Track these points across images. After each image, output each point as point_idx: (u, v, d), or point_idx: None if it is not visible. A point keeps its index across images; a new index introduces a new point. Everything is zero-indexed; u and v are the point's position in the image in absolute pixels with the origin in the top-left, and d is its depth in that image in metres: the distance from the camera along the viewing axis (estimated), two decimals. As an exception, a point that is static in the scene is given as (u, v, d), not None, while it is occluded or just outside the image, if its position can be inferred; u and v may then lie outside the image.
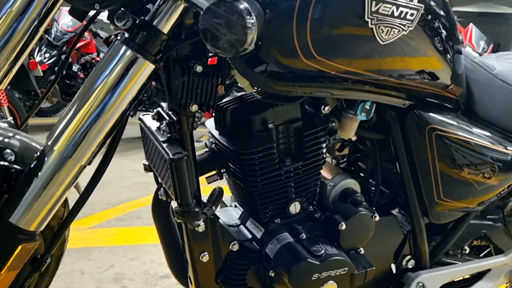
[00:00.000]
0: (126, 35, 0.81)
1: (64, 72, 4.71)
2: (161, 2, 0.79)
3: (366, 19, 0.83)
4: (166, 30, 0.79)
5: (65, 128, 0.78)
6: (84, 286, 1.91)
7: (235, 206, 1.22)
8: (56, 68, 4.67)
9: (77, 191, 0.97)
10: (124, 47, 0.78)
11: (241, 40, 0.74)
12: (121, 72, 0.77)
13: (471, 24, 5.09)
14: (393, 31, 0.86)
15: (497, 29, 7.85)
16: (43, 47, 4.76)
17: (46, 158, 0.80)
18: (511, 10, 8.15)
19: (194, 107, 0.91)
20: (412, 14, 0.86)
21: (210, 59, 0.92)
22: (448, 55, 1.02)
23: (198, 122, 1.01)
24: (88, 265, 2.07)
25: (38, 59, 4.62)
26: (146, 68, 0.79)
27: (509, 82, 1.15)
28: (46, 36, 5.05)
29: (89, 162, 0.82)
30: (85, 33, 4.80)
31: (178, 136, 0.95)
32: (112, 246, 2.26)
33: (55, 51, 4.75)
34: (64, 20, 4.86)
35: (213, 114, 1.07)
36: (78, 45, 4.90)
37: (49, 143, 0.79)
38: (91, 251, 2.20)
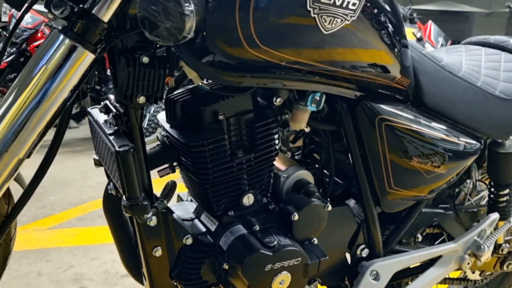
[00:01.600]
0: None
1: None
2: (101, -10, 0.77)
3: (308, 8, 0.83)
4: (106, 18, 0.78)
5: (0, 119, 0.75)
6: (41, 288, 1.86)
7: (191, 200, 1.21)
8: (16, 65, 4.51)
9: (20, 187, 0.94)
10: (62, 36, 0.76)
11: (179, 28, 0.73)
12: (59, 61, 0.75)
13: (430, 21, 5.24)
14: (336, 21, 0.87)
15: (458, 27, 8.10)
16: (0, 44, 4.60)
17: (-19, 152, 0.77)
18: (471, 9, 8.43)
19: (142, 99, 0.90)
20: (354, 4, 0.88)
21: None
22: (395, 49, 1.04)
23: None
24: (46, 266, 2.02)
25: (-5, 57, 4.45)
26: (85, 58, 0.77)
27: (455, 73, 1.18)
28: (4, 33, 4.87)
29: (28, 155, 0.79)
30: (46, 29, 4.67)
31: (125, 128, 0.93)
32: (72, 247, 2.21)
33: (14, 48, 4.60)
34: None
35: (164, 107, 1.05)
36: (40, 42, 4.75)
37: (-16, 136, 0.76)
38: (49, 252, 2.14)
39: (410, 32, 4.91)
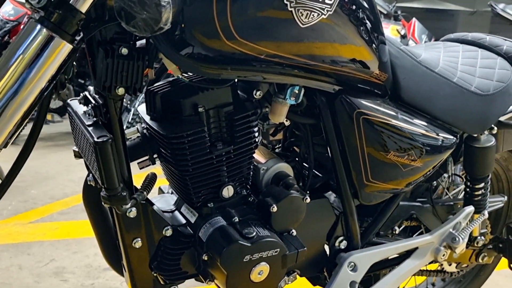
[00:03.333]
0: None
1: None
2: (78, -20, 0.77)
3: (285, 1, 0.84)
4: (84, 9, 0.78)
5: (-23, 108, 0.75)
6: (22, 281, 1.85)
7: (172, 193, 1.22)
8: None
9: (-2, 177, 0.94)
10: (38, 26, 0.76)
11: (156, 19, 0.74)
12: (36, 51, 0.75)
13: (414, 19, 5.30)
14: (313, 15, 0.88)
15: (443, 25, 8.18)
16: (-19, 36, 4.52)
17: (-43, 141, 0.76)
18: (455, 7, 8.53)
19: (120, 90, 0.90)
20: (330, -2, 0.89)
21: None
22: (373, 44, 1.05)
23: None
24: (27, 259, 2.01)
25: (-23, 49, 4.38)
26: (63, 48, 0.77)
27: (432, 69, 1.21)
28: (-14, 25, 4.79)
29: (5, 145, 0.79)
30: (29, 22, 4.60)
31: (104, 120, 0.93)
32: (54, 240, 2.19)
33: (-4, 41, 4.53)
34: (5, 9, 4.62)
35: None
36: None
37: (-40, 125, 0.76)
38: (31, 245, 2.13)
39: (394, 29, 4.96)
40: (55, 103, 4.42)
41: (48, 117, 4.48)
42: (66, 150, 3.77)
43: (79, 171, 3.24)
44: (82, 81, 4.33)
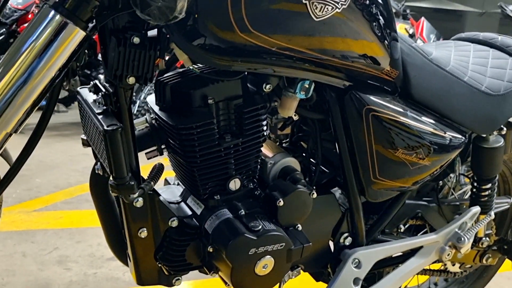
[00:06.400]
0: None
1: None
2: (93, -33, 0.77)
3: (300, -6, 0.84)
4: (97, -4, 0.78)
5: (-12, 94, 0.75)
6: (26, 268, 1.86)
7: (178, 184, 1.22)
8: (5, 46, 4.45)
9: (7, 163, 0.94)
10: (52, 12, 0.76)
11: (171, 7, 0.74)
12: (49, 37, 0.75)
13: (422, 18, 5.28)
14: (327, 8, 0.88)
15: (451, 26, 8.13)
16: (-12, 25, 4.53)
17: (-32, 125, 0.76)
18: (464, 8, 8.48)
19: (131, 80, 0.90)
20: (345, -8, 0.89)
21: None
22: (385, 41, 1.05)
23: None
24: (31, 247, 2.02)
25: (-16, 37, 4.39)
26: (76, 35, 0.77)
27: (443, 67, 1.20)
28: (-6, 13, 4.79)
29: (16, 130, 0.79)
30: (37, 11, 4.61)
31: (114, 108, 0.93)
32: (57, 229, 2.21)
33: (4, 29, 4.54)
34: (14, -3, 4.64)
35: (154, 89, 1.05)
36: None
37: (-28, 109, 0.76)
38: (35, 233, 2.14)
39: (402, 28, 4.93)
40: (61, 93, 4.44)
41: (54, 106, 4.49)
42: (71, 140, 3.78)
43: (83, 161, 3.26)
44: (89, 72, 4.33)
